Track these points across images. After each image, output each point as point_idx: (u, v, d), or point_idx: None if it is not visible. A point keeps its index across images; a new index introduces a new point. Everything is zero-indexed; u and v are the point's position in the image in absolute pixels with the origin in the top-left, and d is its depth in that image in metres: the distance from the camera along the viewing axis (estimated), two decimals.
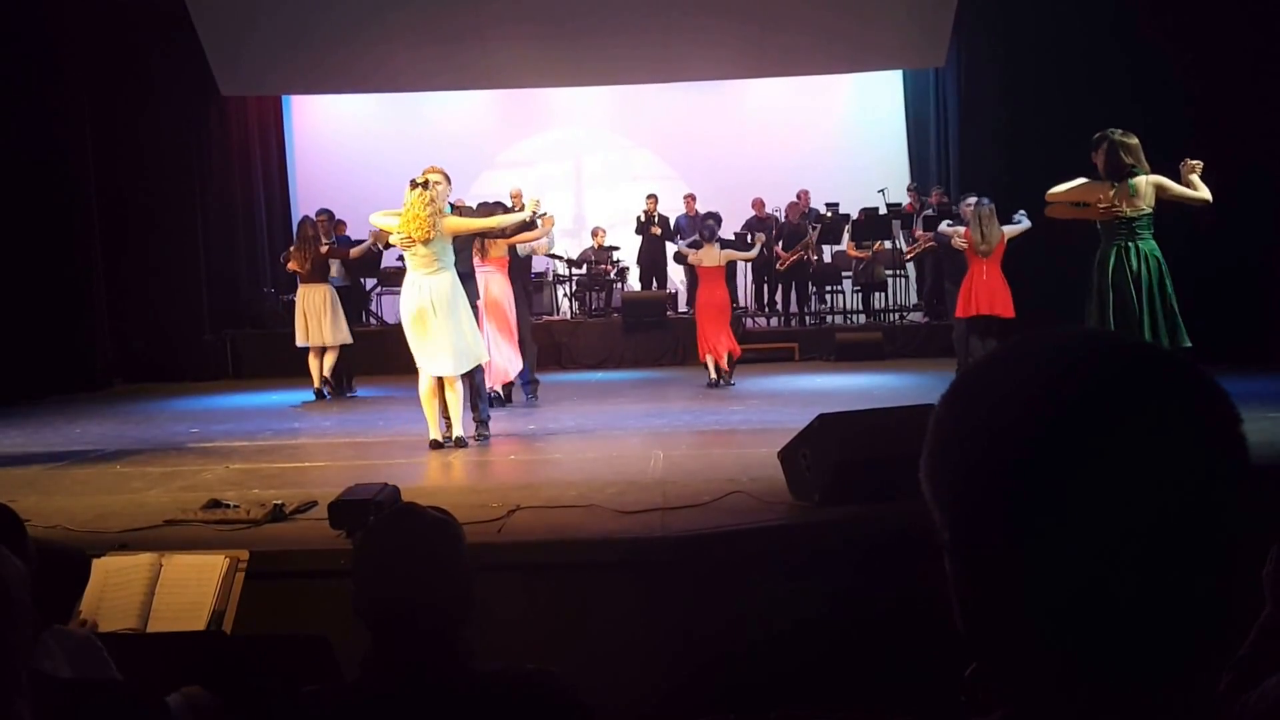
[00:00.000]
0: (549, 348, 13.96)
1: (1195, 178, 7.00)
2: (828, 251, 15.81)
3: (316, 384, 11.19)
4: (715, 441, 8.14)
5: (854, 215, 15.41)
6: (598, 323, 15.12)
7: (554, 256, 15.59)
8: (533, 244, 10.45)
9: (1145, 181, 6.95)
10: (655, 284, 16.13)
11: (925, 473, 0.92)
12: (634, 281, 16.52)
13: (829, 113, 18.09)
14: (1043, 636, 0.84)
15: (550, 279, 16.31)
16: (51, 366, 12.33)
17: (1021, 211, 10.25)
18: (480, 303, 9.17)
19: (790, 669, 4.09)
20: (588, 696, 2.27)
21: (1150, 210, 6.97)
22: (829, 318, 15.94)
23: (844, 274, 15.97)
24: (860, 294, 15.79)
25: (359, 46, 14.50)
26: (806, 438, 5.35)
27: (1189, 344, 6.95)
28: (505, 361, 9.73)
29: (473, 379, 7.99)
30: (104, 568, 3.84)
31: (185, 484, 6.61)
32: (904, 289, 15.87)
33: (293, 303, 12.09)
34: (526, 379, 10.29)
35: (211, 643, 3.63)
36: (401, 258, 15.50)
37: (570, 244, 16.73)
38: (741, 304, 15.74)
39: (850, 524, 4.96)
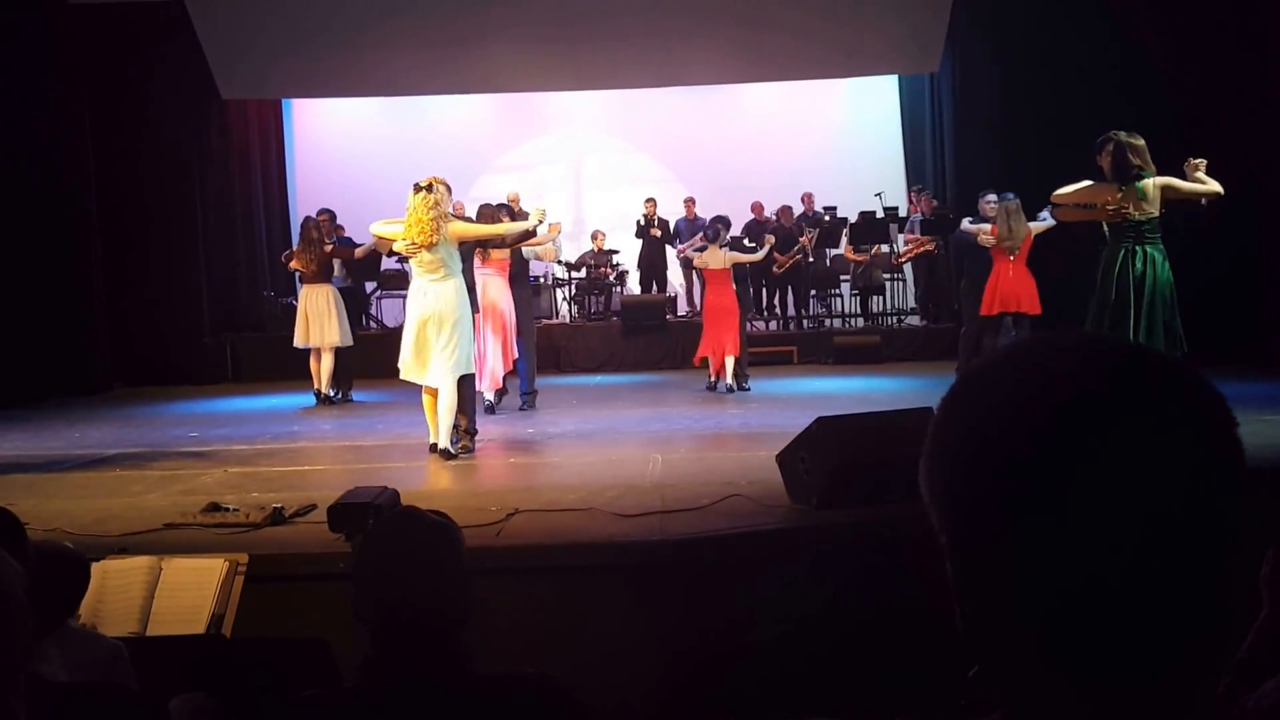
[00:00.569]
0: (548, 351, 13.95)
1: (1201, 174, 6.97)
2: (827, 254, 15.81)
3: (316, 385, 11.11)
4: (714, 445, 8.15)
5: (851, 219, 15.42)
6: (597, 326, 15.11)
7: (555, 261, 15.60)
8: (539, 250, 10.37)
9: (1153, 184, 6.91)
10: (655, 287, 16.13)
11: (924, 475, 0.92)
12: (633, 285, 16.51)
13: (826, 117, 18.11)
14: (1039, 638, 0.84)
15: (549, 282, 16.31)
16: (51, 370, 12.32)
17: (1046, 209, 10.12)
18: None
19: (789, 672, 4.10)
20: (586, 700, 2.27)
21: (1157, 213, 6.95)
22: (827, 321, 15.94)
23: (842, 277, 15.98)
24: (858, 297, 15.78)
25: (359, 50, 14.51)
26: (805, 441, 5.35)
27: (1186, 349, 6.94)
28: (498, 366, 9.68)
29: (463, 389, 7.78)
30: (104, 571, 3.84)
31: (185, 487, 6.61)
32: (902, 292, 15.87)
33: (292, 305, 12.08)
34: (525, 389, 10.20)
35: (211, 646, 3.64)
36: (404, 259, 15.61)
37: (569, 247, 16.72)
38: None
39: (848, 527, 4.96)
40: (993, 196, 10.30)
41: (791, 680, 4.11)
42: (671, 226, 16.06)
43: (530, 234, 9.01)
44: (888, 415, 5.54)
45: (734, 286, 11.12)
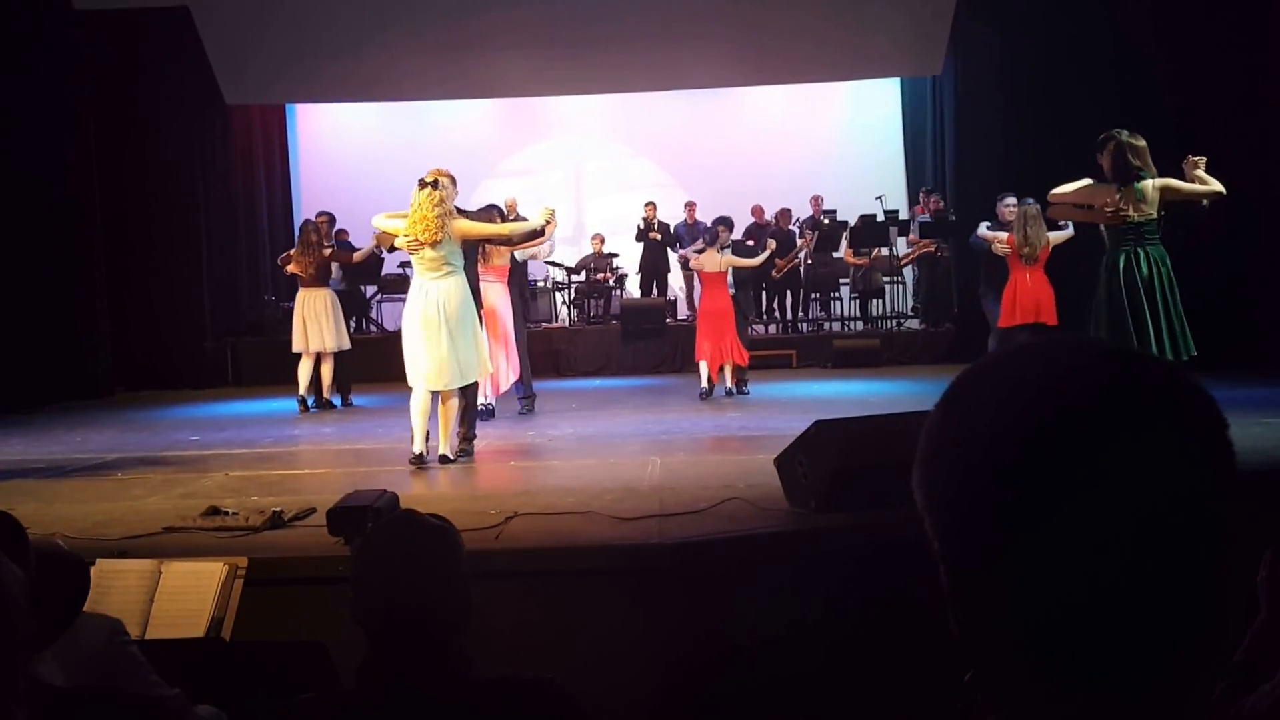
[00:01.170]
0: (548, 355, 13.97)
1: (1201, 173, 6.91)
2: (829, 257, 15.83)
3: (301, 391, 11.03)
4: (712, 448, 8.15)
5: (851, 222, 15.43)
6: (596, 330, 15.12)
7: (553, 264, 15.60)
8: (532, 249, 10.15)
9: (1152, 185, 6.84)
10: (655, 291, 16.13)
11: (917, 480, 0.92)
12: (633, 288, 16.52)
13: (826, 120, 18.13)
14: (1032, 645, 0.84)
15: (549, 286, 16.33)
16: (53, 374, 12.33)
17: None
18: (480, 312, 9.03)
19: (787, 675, 4.10)
20: (585, 703, 2.27)
21: (1157, 215, 6.88)
22: (827, 324, 15.95)
23: (842, 281, 15.99)
24: (858, 301, 15.80)
25: (362, 56, 14.57)
26: (803, 444, 5.35)
27: (1195, 352, 6.89)
28: (501, 373, 9.63)
29: (465, 394, 7.62)
30: (103, 574, 3.84)
31: (185, 491, 6.61)
32: (901, 296, 15.88)
33: (291, 309, 12.00)
34: (523, 393, 10.15)
35: (210, 650, 3.64)
36: (404, 264, 15.61)
37: (570, 251, 16.74)
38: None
39: (846, 531, 4.96)
40: (1011, 200, 9.91)
41: (788, 684, 4.12)
42: (671, 231, 16.07)
43: (538, 234, 8.76)
44: (886, 419, 5.53)
45: (731, 291, 10.99)
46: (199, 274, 14.41)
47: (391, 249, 8.46)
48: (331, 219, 11.64)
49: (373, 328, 15.34)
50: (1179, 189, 6.88)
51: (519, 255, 10.07)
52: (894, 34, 14.61)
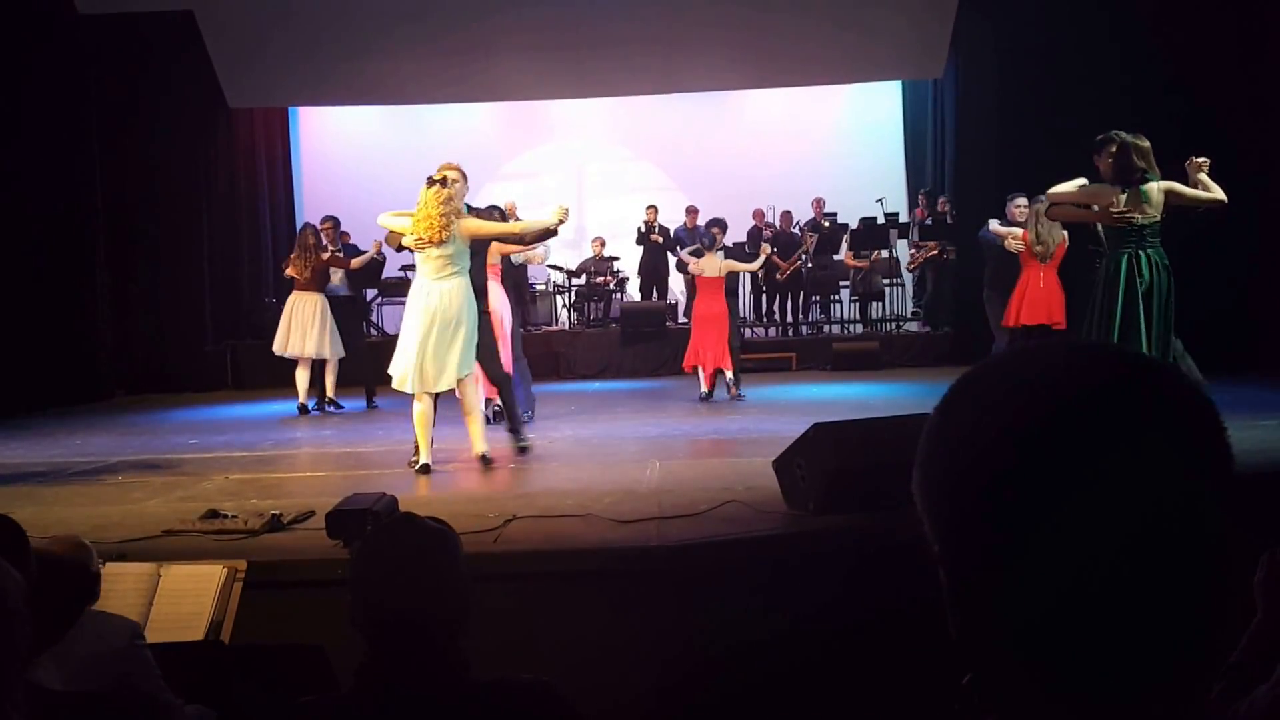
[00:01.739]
0: (547, 357, 13.98)
1: (1204, 176, 6.79)
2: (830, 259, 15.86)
3: (302, 399, 11.02)
4: (711, 451, 8.15)
5: (852, 225, 15.45)
6: (596, 333, 15.13)
7: (554, 267, 15.61)
8: (528, 253, 9.95)
9: (1157, 188, 6.78)
10: (655, 294, 16.14)
11: (916, 483, 0.92)
12: (634, 292, 16.53)
13: (827, 123, 18.16)
14: (1030, 647, 0.84)
15: (549, 289, 16.34)
16: (53, 377, 12.34)
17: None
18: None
19: (786, 677, 4.10)
20: (584, 706, 2.27)
21: (1159, 218, 6.81)
22: (826, 327, 15.97)
23: (841, 284, 16.01)
24: (858, 303, 15.81)
25: (365, 59, 14.60)
26: (801, 447, 5.35)
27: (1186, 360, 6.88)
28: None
29: (504, 394, 7.52)
30: (102, 577, 3.84)
31: (184, 494, 6.62)
32: (901, 298, 15.90)
33: None
34: (523, 396, 10.07)
35: (209, 653, 3.64)
36: (406, 267, 15.60)
37: (570, 254, 16.76)
38: (741, 314, 15.73)
39: (845, 533, 4.96)
40: (1023, 200, 9.79)
41: (787, 686, 4.12)
42: (671, 234, 16.08)
43: (551, 233, 8.19)
44: (885, 421, 5.53)
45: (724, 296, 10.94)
46: (200, 277, 14.43)
47: (399, 248, 8.31)
48: (336, 224, 11.59)
49: (373, 331, 15.34)
50: (1182, 194, 6.79)
51: (515, 258, 9.94)
52: (895, 37, 14.64)
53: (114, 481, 7.26)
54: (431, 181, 7.19)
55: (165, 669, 2.92)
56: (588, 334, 15.09)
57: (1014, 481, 0.83)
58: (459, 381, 7.21)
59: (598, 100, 17.39)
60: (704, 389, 10.91)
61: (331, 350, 11.10)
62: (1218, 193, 6.80)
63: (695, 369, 11.01)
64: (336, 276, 11.39)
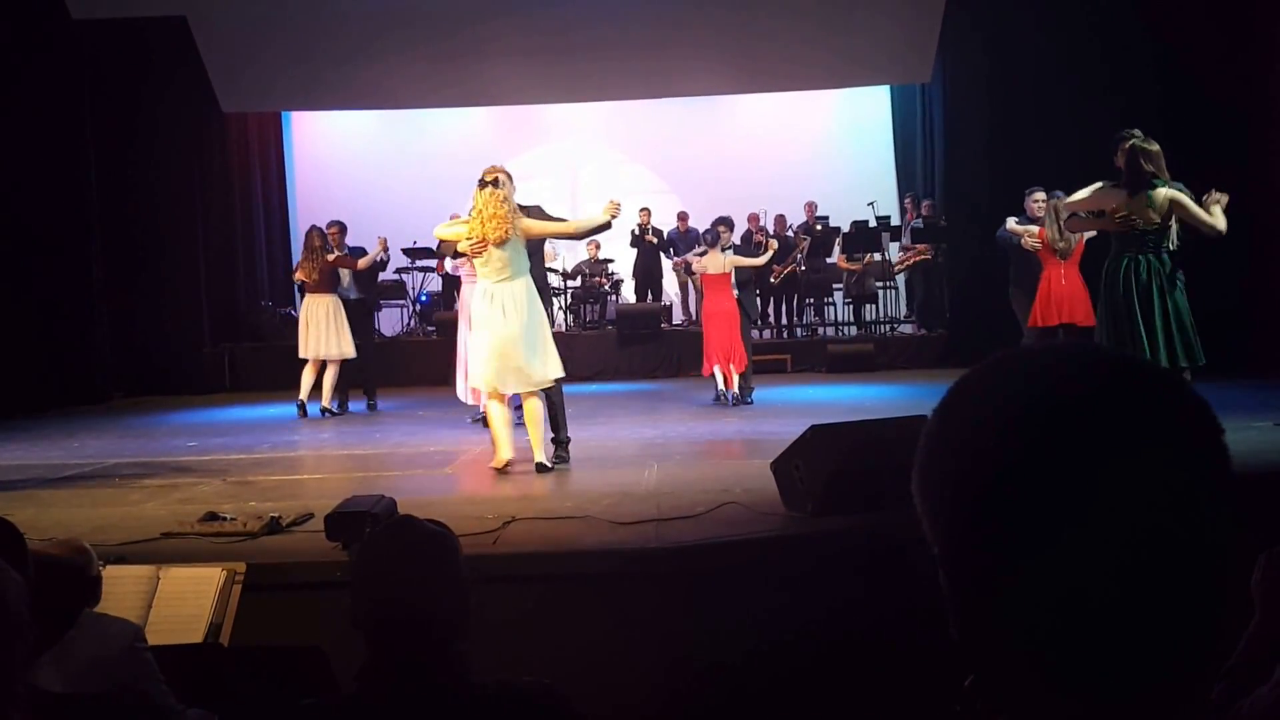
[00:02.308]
0: None
1: (1218, 210, 6.77)
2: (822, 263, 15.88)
3: (303, 396, 10.96)
4: (709, 453, 8.16)
5: (844, 228, 15.49)
6: (592, 335, 15.13)
7: (549, 270, 15.60)
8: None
9: (1164, 194, 6.74)
10: (650, 296, 16.15)
11: (916, 484, 0.93)
12: (629, 294, 16.54)
13: (818, 127, 18.22)
14: (1031, 648, 0.84)
15: (547, 291, 16.32)
16: (51, 380, 12.33)
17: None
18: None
19: (785, 679, 4.11)
20: (583, 708, 2.28)
21: (1164, 223, 6.77)
22: (821, 329, 15.99)
23: (835, 286, 16.04)
24: (851, 306, 15.83)
25: (358, 64, 14.61)
26: (799, 449, 5.36)
27: (1202, 361, 6.80)
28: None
29: (551, 398, 7.35)
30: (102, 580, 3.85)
31: (183, 497, 6.61)
32: (894, 301, 15.93)
33: (290, 315, 11.95)
34: (518, 400, 10.01)
35: (209, 655, 3.64)
36: (400, 270, 15.61)
37: (565, 256, 16.76)
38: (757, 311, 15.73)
39: (843, 535, 4.97)
40: (1040, 195, 9.43)
41: (787, 688, 4.12)
42: (665, 237, 16.11)
43: (605, 227, 7.87)
44: (882, 423, 5.54)
45: (735, 292, 10.79)
46: (196, 280, 14.42)
47: (455, 255, 8.19)
48: (342, 229, 11.53)
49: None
50: (1186, 208, 6.71)
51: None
52: (884, 42, 14.70)
53: (112, 484, 7.26)
54: (484, 184, 7.15)
55: (164, 671, 2.92)
56: (584, 336, 15.09)
57: (1013, 482, 0.83)
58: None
59: (591, 104, 17.43)
60: (721, 387, 10.74)
61: (343, 351, 11.09)
62: (1220, 223, 6.75)
63: (714, 370, 10.79)
64: (345, 279, 11.36)
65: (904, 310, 16.14)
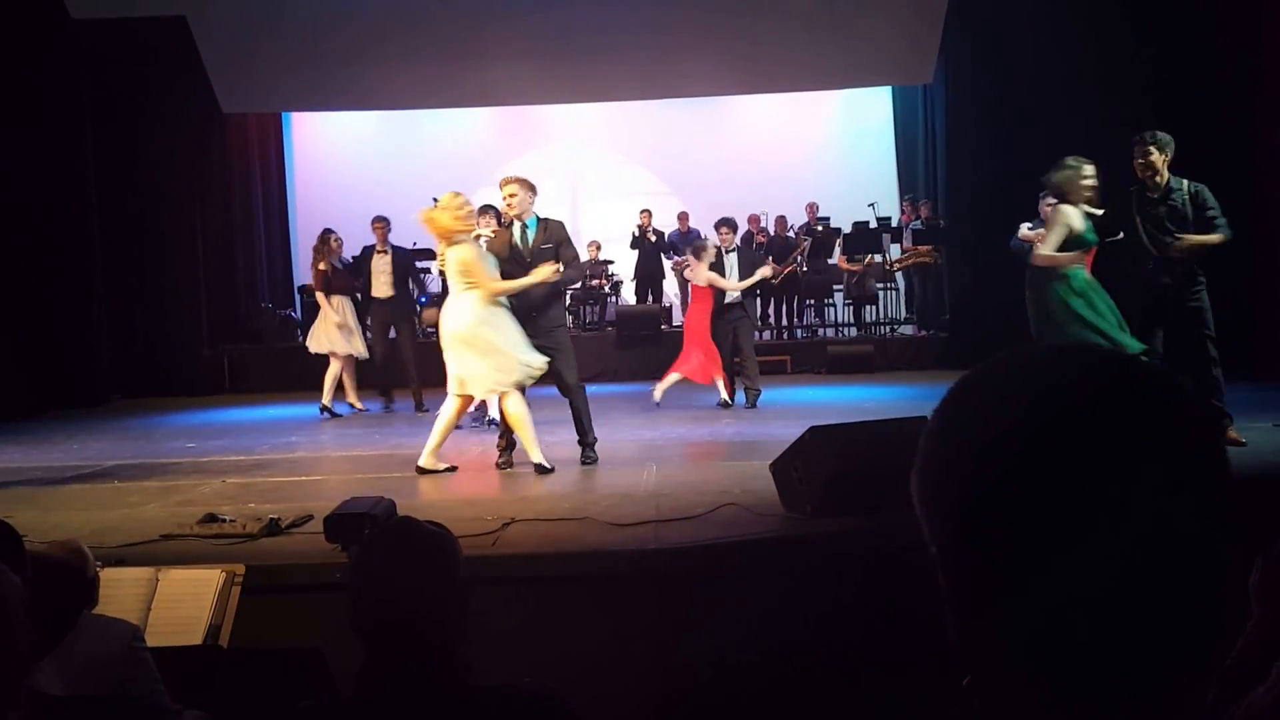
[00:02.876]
0: None
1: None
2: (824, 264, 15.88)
3: (326, 400, 11.02)
4: (708, 454, 8.16)
5: (845, 229, 15.49)
6: (592, 336, 15.14)
7: None
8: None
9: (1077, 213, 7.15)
10: (650, 298, 16.16)
11: (915, 485, 0.93)
12: (629, 295, 16.55)
13: (819, 128, 18.24)
14: (1029, 650, 0.84)
15: None
16: (50, 382, 12.32)
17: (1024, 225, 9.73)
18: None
19: (784, 680, 4.10)
20: (582, 709, 2.28)
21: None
22: (821, 330, 15.99)
23: (835, 287, 16.04)
24: (851, 307, 15.84)
25: (359, 65, 14.61)
26: (798, 450, 5.37)
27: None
28: None
29: (576, 404, 7.67)
30: (101, 582, 3.84)
31: (182, 499, 6.61)
32: (894, 302, 15.94)
33: (289, 316, 11.94)
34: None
35: (208, 656, 3.64)
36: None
37: None
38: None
39: (842, 536, 4.97)
40: (1053, 198, 9.17)
41: (786, 689, 4.12)
42: (665, 238, 16.12)
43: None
44: (881, 424, 5.55)
45: (736, 298, 10.77)
46: (196, 282, 14.42)
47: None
48: (386, 223, 11.47)
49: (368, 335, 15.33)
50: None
51: None
52: (885, 43, 14.70)
53: (111, 486, 7.25)
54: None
55: (164, 673, 2.92)
56: (583, 337, 15.07)
57: (1013, 483, 0.83)
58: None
59: (592, 105, 17.44)
60: (724, 396, 10.80)
61: (346, 347, 11.10)
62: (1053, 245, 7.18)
63: (713, 380, 10.84)
64: (381, 280, 11.33)
65: (904, 311, 16.14)
